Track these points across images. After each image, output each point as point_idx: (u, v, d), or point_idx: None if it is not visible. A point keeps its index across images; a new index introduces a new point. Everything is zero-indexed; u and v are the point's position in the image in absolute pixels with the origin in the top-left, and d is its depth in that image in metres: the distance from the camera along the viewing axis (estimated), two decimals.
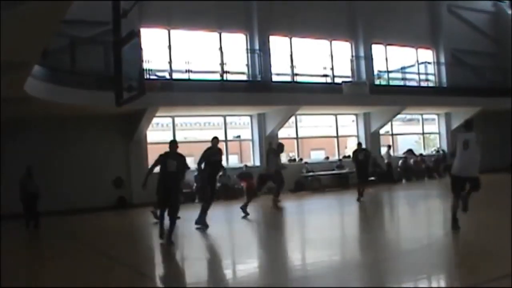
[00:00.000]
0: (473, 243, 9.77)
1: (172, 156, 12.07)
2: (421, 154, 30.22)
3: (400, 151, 30.90)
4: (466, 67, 31.79)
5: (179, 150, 12.26)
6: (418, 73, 31.72)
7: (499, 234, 10.10)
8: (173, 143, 12.31)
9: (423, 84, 31.80)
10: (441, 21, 32.17)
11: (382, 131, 29.65)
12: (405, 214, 16.76)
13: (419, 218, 15.58)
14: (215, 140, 14.62)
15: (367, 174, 21.01)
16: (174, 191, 11.95)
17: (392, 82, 30.40)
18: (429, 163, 30.46)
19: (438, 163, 30.70)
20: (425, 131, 32.84)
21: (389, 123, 29.69)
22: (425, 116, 32.69)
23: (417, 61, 31.81)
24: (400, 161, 29.27)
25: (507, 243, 8.81)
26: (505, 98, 29.39)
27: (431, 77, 32.18)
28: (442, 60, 32.09)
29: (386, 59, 30.26)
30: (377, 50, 29.65)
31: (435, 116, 32.81)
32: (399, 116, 29.62)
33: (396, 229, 13.62)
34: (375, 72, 29.39)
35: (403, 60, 31.17)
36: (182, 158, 12.20)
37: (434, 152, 31.99)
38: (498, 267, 7.44)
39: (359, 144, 22.28)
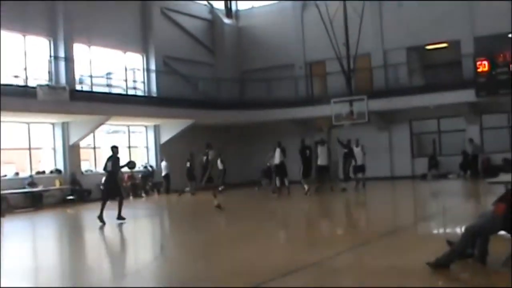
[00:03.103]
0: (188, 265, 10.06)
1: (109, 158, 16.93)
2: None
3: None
4: (179, 76, 32.20)
5: None
6: (126, 80, 30.97)
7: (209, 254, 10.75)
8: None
9: (131, 92, 31.10)
10: (152, 25, 31.53)
11: (83, 144, 27.63)
12: (110, 238, 15.42)
13: (128, 241, 15.03)
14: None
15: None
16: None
17: (96, 88, 29.15)
18: (136, 180, 28.95)
19: (146, 180, 29.30)
20: (132, 144, 31.35)
21: (91, 135, 27.81)
22: (132, 128, 31.46)
23: (125, 66, 30.80)
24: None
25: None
26: (217, 111, 30.25)
27: (140, 85, 31.50)
28: (153, 67, 31.46)
29: (90, 62, 28.81)
30: (80, 51, 28.15)
31: (143, 128, 31.82)
32: (103, 127, 27.93)
33: (103, 255, 12.93)
34: (77, 76, 27.77)
35: (109, 65, 30.32)
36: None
37: (141, 168, 30.27)
38: None
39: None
